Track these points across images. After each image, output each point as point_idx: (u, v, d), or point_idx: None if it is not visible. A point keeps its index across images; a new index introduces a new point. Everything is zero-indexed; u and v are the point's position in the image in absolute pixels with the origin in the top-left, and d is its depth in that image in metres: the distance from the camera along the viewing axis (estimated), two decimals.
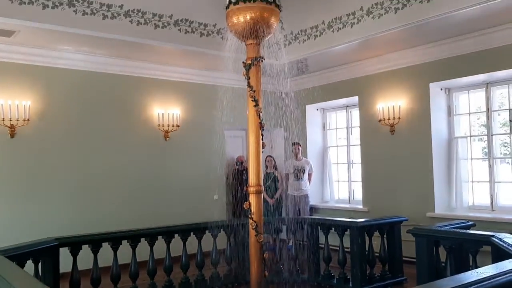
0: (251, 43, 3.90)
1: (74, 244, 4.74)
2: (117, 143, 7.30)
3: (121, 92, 7.39)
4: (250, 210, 3.82)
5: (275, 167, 8.45)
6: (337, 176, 9.04)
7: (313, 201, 8.56)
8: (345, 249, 5.74)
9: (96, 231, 5.28)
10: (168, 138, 7.81)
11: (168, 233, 5.36)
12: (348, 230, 5.63)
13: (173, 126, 7.82)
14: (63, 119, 6.80)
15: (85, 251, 4.84)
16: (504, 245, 3.63)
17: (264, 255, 3.82)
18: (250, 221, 3.80)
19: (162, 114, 7.76)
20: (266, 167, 8.29)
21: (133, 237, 5.14)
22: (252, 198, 3.85)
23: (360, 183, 8.08)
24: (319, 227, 6.02)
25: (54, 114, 6.73)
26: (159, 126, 7.73)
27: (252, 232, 3.82)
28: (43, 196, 6.58)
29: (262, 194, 3.94)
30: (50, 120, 6.69)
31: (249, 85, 3.89)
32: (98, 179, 7.07)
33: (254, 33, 3.79)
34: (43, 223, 6.34)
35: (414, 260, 4.95)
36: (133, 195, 7.36)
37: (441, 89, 7.05)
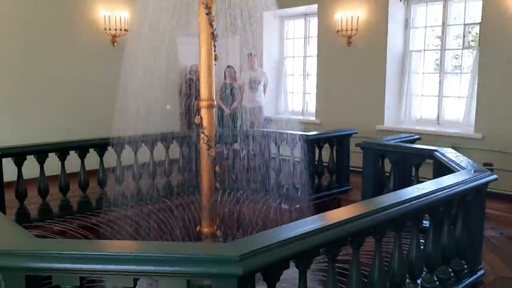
0: None
1: (18, 154, 4.59)
2: (59, 48, 6.76)
3: None
4: (202, 125, 3.73)
5: (234, 78, 8.20)
6: (292, 88, 9.01)
7: (267, 112, 8.54)
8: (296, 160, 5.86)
9: (41, 141, 5.07)
10: (116, 44, 7.33)
11: (117, 144, 5.22)
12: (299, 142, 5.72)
13: (121, 30, 7.30)
14: None
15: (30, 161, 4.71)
16: (445, 159, 3.80)
17: (216, 169, 3.82)
18: (202, 135, 3.73)
19: (109, 16, 7.19)
20: (225, 77, 8.04)
21: (82, 147, 5.07)
22: (203, 113, 3.74)
23: (314, 95, 8.10)
24: (271, 139, 6.06)
25: None
26: (105, 29, 7.21)
27: (204, 146, 3.78)
28: None
29: (215, 108, 3.84)
30: None
31: None
32: (39, 87, 6.65)
33: None
34: None
35: (361, 170, 5.17)
36: (79, 104, 7.01)
37: (400, 0, 6.89)
